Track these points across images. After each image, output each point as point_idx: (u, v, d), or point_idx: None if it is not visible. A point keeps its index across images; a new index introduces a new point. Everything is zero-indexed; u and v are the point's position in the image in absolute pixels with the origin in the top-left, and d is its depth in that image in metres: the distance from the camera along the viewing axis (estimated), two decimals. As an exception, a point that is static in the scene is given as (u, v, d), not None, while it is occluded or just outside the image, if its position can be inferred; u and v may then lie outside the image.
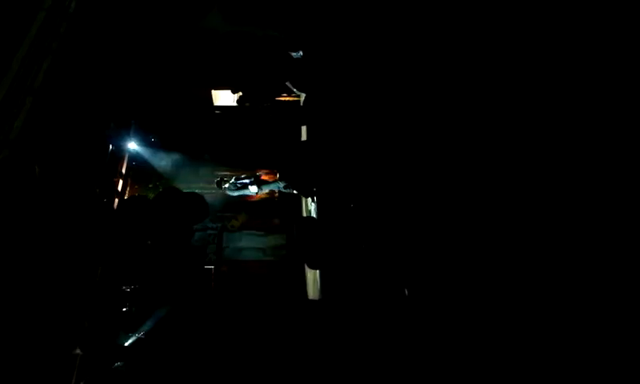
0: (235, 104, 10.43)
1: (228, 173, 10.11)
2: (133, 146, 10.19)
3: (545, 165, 4.62)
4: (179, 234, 8.67)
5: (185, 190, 9.53)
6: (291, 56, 9.15)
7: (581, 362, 3.68)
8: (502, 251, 4.78)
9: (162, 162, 10.52)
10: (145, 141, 10.32)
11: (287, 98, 10.94)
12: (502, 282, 4.68)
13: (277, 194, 11.12)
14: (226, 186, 9.44)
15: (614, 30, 4.27)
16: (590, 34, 4.46)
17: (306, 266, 9.29)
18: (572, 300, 3.93)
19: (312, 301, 8.89)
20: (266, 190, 9.73)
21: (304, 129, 10.58)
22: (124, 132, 9.97)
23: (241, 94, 10.11)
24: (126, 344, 8.67)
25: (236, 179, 9.43)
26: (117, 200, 9.80)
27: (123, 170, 10.13)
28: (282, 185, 9.45)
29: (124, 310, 8.80)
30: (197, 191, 9.75)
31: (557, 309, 4.02)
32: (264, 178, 9.76)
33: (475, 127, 5.67)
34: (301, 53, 8.96)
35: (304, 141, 10.27)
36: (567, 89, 4.59)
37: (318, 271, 8.21)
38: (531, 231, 4.53)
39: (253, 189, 9.39)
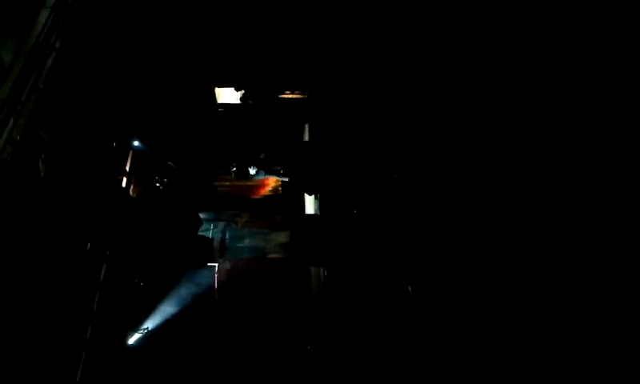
0: (238, 102, 10.42)
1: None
2: (137, 143, 10.22)
3: (544, 165, 4.60)
4: (188, 220, 8.75)
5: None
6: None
7: (580, 360, 3.67)
8: (503, 249, 4.77)
9: (165, 158, 10.53)
10: (148, 138, 10.34)
11: (290, 96, 10.91)
12: (503, 279, 4.67)
13: (280, 191, 11.13)
14: (234, 169, 9.79)
15: (614, 31, 4.25)
16: (589, 34, 4.44)
17: (309, 263, 9.30)
18: (571, 296, 3.92)
19: (315, 297, 8.89)
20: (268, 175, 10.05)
21: (307, 126, 10.57)
22: (128, 130, 9.99)
23: (244, 91, 10.11)
24: (131, 340, 8.72)
25: (240, 164, 9.75)
26: (121, 196, 9.82)
27: (127, 168, 10.15)
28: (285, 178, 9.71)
29: (129, 305, 8.84)
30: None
31: (556, 304, 4.01)
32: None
33: (478, 127, 5.66)
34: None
35: (308, 140, 10.28)
36: (566, 89, 4.57)
37: (321, 268, 8.21)
38: (531, 230, 4.53)
39: (256, 173, 9.75)
